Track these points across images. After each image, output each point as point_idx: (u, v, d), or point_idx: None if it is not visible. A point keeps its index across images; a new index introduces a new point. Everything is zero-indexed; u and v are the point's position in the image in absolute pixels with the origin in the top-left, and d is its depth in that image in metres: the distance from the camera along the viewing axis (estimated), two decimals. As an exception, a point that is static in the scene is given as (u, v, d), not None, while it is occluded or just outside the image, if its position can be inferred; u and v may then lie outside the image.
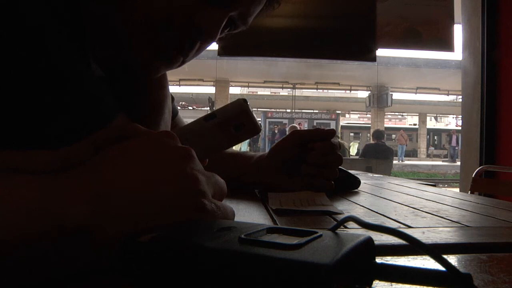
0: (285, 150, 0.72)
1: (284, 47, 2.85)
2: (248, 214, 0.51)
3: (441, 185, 8.58)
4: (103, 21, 0.48)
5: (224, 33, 0.55)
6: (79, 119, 0.41)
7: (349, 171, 0.83)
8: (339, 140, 6.47)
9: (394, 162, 9.46)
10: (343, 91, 15.57)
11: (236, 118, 0.48)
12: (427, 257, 0.26)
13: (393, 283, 0.23)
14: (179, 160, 0.28)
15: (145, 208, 0.25)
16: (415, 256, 0.31)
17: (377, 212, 0.55)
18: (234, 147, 0.78)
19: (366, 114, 17.33)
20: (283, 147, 0.73)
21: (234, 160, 0.79)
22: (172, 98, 0.69)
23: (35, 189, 0.23)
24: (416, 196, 0.75)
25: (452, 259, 0.32)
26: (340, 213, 0.51)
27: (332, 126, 12.95)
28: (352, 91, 15.20)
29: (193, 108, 14.93)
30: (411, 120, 22.17)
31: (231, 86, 13.30)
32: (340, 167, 0.71)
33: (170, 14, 0.48)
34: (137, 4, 0.47)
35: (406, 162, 14.74)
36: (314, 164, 0.68)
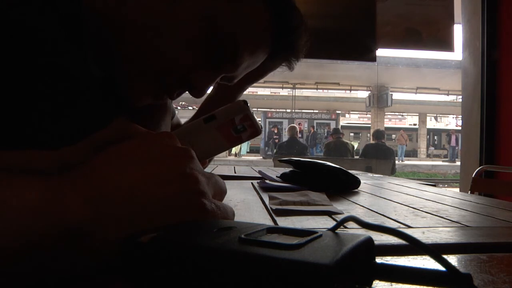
0: None
1: (284, 47, 2.84)
2: (248, 214, 0.51)
3: (441, 185, 8.58)
4: (103, 43, 0.49)
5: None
6: (79, 119, 0.41)
7: (349, 171, 0.83)
8: (343, 139, 6.39)
9: (394, 162, 9.42)
10: (343, 91, 15.54)
11: (236, 120, 0.48)
12: (427, 257, 0.26)
13: (393, 283, 0.23)
14: (179, 160, 0.28)
15: (145, 208, 0.25)
16: (415, 256, 0.31)
17: (377, 212, 0.55)
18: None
19: (366, 114, 17.31)
20: None
21: None
22: None
23: (35, 190, 0.23)
24: (416, 196, 0.75)
25: (452, 259, 0.32)
26: (340, 213, 0.51)
27: (332, 126, 12.93)
28: (352, 91, 15.18)
29: (193, 108, 14.89)
30: (411, 120, 22.14)
31: (231, 86, 13.25)
32: (340, 167, 0.71)
33: (169, 65, 0.50)
34: (141, 48, 0.49)
35: (406, 162, 14.73)
36: None
